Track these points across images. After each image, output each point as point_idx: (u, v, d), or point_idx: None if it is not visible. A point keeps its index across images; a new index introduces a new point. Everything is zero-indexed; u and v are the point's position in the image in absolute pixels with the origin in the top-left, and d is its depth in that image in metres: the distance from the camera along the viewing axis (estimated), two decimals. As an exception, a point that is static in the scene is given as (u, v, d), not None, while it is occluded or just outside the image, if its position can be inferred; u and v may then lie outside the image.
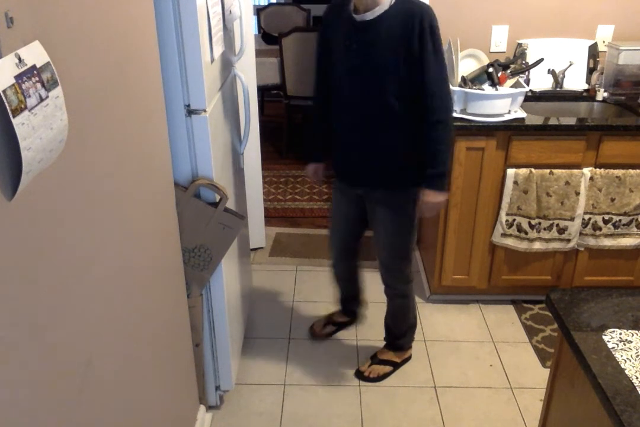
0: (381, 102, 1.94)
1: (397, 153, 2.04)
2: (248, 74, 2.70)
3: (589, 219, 2.62)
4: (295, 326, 2.69)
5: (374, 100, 1.94)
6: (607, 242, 2.66)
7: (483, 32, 2.93)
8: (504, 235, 2.67)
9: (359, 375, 2.40)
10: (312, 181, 2.49)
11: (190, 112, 1.73)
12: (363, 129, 2.02)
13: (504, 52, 2.95)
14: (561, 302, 1.32)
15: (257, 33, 5.73)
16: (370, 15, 1.86)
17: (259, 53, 3.22)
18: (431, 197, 2.04)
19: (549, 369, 1.49)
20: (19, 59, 0.82)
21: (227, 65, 2.12)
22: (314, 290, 2.99)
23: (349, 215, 2.30)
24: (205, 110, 1.74)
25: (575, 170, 2.53)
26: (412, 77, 1.88)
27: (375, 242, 2.24)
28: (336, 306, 2.69)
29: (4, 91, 0.77)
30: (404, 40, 1.84)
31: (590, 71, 2.94)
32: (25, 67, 0.83)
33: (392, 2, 1.85)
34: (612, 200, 2.58)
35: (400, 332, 2.43)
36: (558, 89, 2.92)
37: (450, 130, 1.99)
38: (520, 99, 2.53)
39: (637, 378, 1.09)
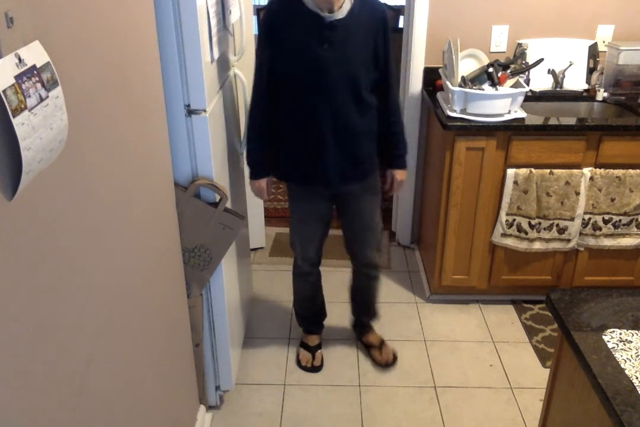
0: (356, 95, 1.99)
1: (371, 141, 2.14)
2: (248, 74, 2.69)
3: (589, 219, 2.62)
4: (295, 326, 2.69)
5: (349, 95, 1.98)
6: (607, 242, 2.66)
7: (483, 32, 2.92)
8: (504, 235, 2.67)
9: (387, 366, 2.50)
10: (263, 198, 2.26)
11: (190, 112, 1.73)
12: (338, 126, 2.02)
13: (504, 52, 2.95)
14: (561, 302, 1.32)
15: (257, 33, 5.71)
16: (340, 15, 1.91)
17: (259, 53, 3.20)
18: (402, 175, 2.26)
19: (549, 369, 1.49)
20: (19, 59, 0.82)
21: (227, 65, 2.12)
22: (314, 290, 2.99)
23: (323, 216, 2.26)
24: (205, 110, 1.74)
25: (575, 170, 2.53)
26: (376, 68, 2.02)
27: (356, 231, 2.30)
28: (305, 329, 2.61)
29: (4, 91, 0.77)
30: (373, 35, 1.96)
31: (590, 71, 2.94)
32: (25, 67, 0.83)
33: (353, 1, 1.93)
34: (612, 200, 2.57)
35: (375, 310, 2.59)
36: (558, 89, 2.92)
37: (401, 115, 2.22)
38: (520, 99, 2.53)
39: (637, 378, 1.09)
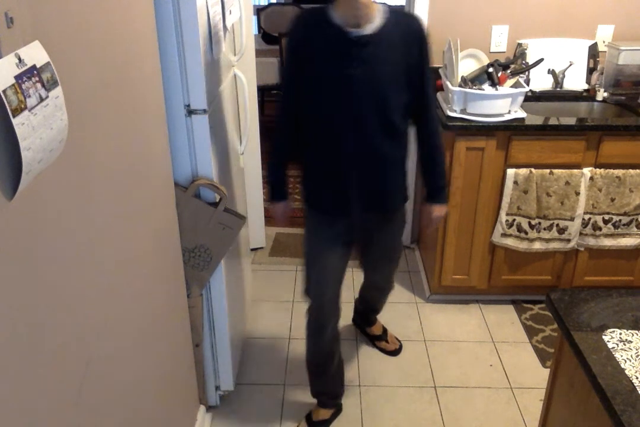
0: (387, 119, 1.80)
1: (401, 170, 1.96)
2: (248, 74, 2.70)
3: (589, 219, 2.62)
4: (295, 326, 2.69)
5: (380, 118, 1.79)
6: (607, 242, 2.66)
7: (483, 32, 2.92)
8: (504, 235, 2.67)
9: (396, 353, 2.54)
10: (280, 223, 2.14)
11: (190, 112, 1.73)
12: (364, 152, 1.83)
13: (504, 52, 2.95)
14: (561, 302, 1.32)
15: (257, 33, 5.72)
16: (368, 30, 1.71)
17: (259, 53, 3.22)
18: (442, 211, 2.04)
19: (549, 369, 1.49)
20: (19, 59, 0.82)
21: (227, 65, 2.12)
22: (314, 290, 2.99)
23: (343, 251, 2.00)
24: (205, 110, 1.74)
25: (575, 170, 2.53)
26: (410, 90, 1.80)
27: (375, 260, 2.20)
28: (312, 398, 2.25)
29: (4, 91, 0.77)
30: (406, 54, 1.75)
31: (590, 71, 2.94)
32: (25, 67, 0.83)
33: (386, 15, 1.73)
34: (612, 200, 2.57)
35: (382, 307, 2.57)
36: (558, 89, 2.92)
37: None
38: (520, 99, 2.53)
39: (637, 378, 1.09)
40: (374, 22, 1.71)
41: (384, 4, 1.77)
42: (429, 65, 1.82)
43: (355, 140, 1.81)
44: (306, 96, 1.82)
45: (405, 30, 1.75)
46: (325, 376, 2.15)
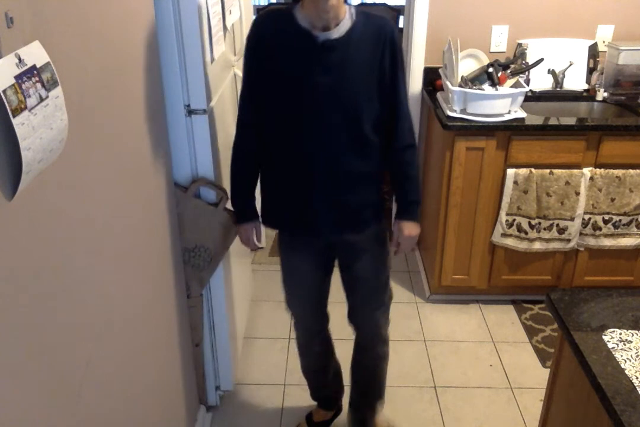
0: (355, 131, 1.63)
1: (374, 184, 1.76)
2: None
3: (589, 219, 2.62)
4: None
5: (350, 130, 1.62)
6: (607, 242, 2.66)
7: (483, 32, 2.92)
8: (504, 235, 2.67)
9: None
10: (250, 247, 1.91)
11: (190, 112, 1.73)
12: (330, 166, 1.65)
13: (504, 52, 2.95)
14: (561, 302, 1.32)
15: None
16: (336, 33, 1.55)
17: (259, 53, 3.21)
18: (412, 230, 1.78)
19: (549, 369, 1.49)
20: (19, 59, 0.82)
21: (227, 65, 2.12)
22: (314, 290, 2.99)
23: (317, 271, 1.87)
24: (205, 110, 1.74)
25: (575, 170, 2.53)
26: (382, 99, 1.64)
27: (356, 290, 1.89)
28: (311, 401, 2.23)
29: (4, 91, 0.77)
30: (376, 59, 1.59)
31: (590, 71, 2.94)
32: (25, 67, 0.83)
33: (354, 16, 1.58)
34: (612, 200, 2.57)
35: (381, 392, 2.10)
36: (558, 89, 2.92)
37: (417, 154, 1.78)
38: (520, 99, 2.53)
39: (637, 378, 1.09)
40: (343, 25, 1.56)
41: (354, 5, 1.63)
42: (401, 71, 1.65)
43: (322, 155, 1.64)
44: (267, 107, 1.65)
45: (376, 33, 1.59)
46: (323, 384, 2.15)
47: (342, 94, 1.60)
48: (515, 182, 2.55)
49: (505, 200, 2.60)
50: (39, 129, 0.86)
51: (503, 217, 2.63)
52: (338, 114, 1.61)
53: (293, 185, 1.71)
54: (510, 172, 2.54)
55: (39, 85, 0.86)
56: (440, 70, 2.80)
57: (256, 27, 1.63)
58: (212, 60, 1.83)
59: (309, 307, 1.94)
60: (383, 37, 1.59)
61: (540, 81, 2.93)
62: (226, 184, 1.99)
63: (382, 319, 1.92)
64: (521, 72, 2.69)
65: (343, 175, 1.68)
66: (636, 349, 1.17)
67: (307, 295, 1.92)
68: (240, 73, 2.24)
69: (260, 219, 1.85)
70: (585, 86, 2.94)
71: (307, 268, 1.85)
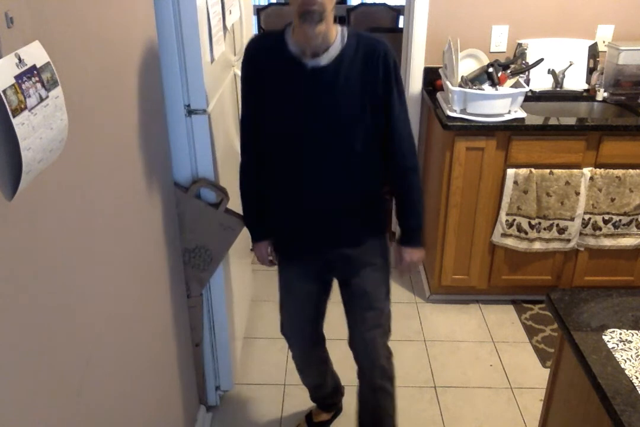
0: (349, 155, 1.61)
1: (372, 203, 1.73)
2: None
3: (589, 219, 2.62)
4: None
5: (343, 152, 1.61)
6: (607, 242, 2.66)
7: (483, 32, 2.92)
8: (504, 235, 2.67)
9: None
10: (265, 264, 1.89)
11: (190, 112, 1.73)
12: (331, 185, 1.64)
13: (504, 52, 2.95)
14: (561, 302, 1.32)
15: (257, 33, 5.72)
16: (325, 60, 1.51)
17: (259, 53, 3.21)
18: (413, 255, 1.76)
19: (549, 369, 1.49)
20: (19, 59, 0.82)
21: (227, 65, 2.12)
22: (314, 290, 2.99)
23: (313, 291, 1.85)
24: (205, 110, 1.74)
25: (575, 170, 2.53)
26: (376, 121, 1.60)
27: (354, 311, 1.84)
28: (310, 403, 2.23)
29: (4, 91, 0.77)
30: (367, 83, 1.55)
31: (590, 71, 2.94)
32: (25, 67, 0.83)
33: (345, 39, 1.53)
34: (612, 200, 2.57)
35: None
36: (558, 89, 2.92)
37: (420, 177, 1.72)
38: (520, 99, 2.53)
39: (637, 378, 1.09)
40: (332, 49, 1.52)
41: (346, 26, 1.57)
42: (399, 93, 1.59)
43: (318, 177, 1.63)
44: (264, 130, 1.65)
45: (367, 55, 1.53)
46: (321, 396, 2.17)
47: (333, 119, 1.57)
48: (515, 182, 2.55)
49: (505, 200, 2.60)
50: (39, 129, 0.86)
51: (503, 217, 2.63)
52: (331, 139, 1.59)
53: (289, 204, 1.71)
54: (510, 172, 2.54)
55: (39, 85, 0.86)
56: (440, 70, 2.80)
57: (249, 52, 1.62)
58: (212, 60, 1.83)
59: (303, 327, 1.92)
60: (375, 59, 1.53)
61: (540, 81, 2.93)
62: (226, 184, 1.99)
63: (380, 344, 1.85)
64: (521, 72, 2.69)
65: (338, 196, 1.66)
66: (636, 349, 1.17)
67: (302, 313, 1.89)
68: (240, 73, 2.24)
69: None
70: (585, 86, 2.94)
71: (303, 286, 1.83)
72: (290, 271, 1.84)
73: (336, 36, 1.53)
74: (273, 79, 1.58)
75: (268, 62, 1.58)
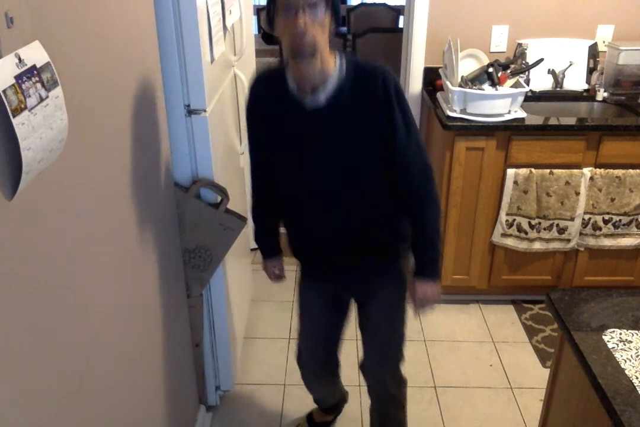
0: (357, 190, 1.56)
1: (387, 229, 1.66)
2: (248, 74, 2.70)
3: (589, 219, 2.62)
4: (296, 325, 2.69)
5: (348, 191, 1.56)
6: (607, 242, 2.66)
7: (483, 32, 2.92)
8: (504, 235, 2.67)
9: None
10: (273, 280, 1.92)
11: (190, 112, 1.73)
12: (340, 222, 1.60)
13: (504, 52, 2.95)
14: (561, 302, 1.32)
15: (257, 33, 5.72)
16: (322, 98, 1.45)
17: (259, 53, 3.22)
18: (426, 290, 1.65)
19: (549, 369, 1.49)
20: (19, 59, 0.82)
21: (227, 65, 2.12)
22: (314, 290, 2.99)
23: (331, 314, 1.84)
24: (205, 110, 1.74)
25: (575, 170, 2.53)
26: (385, 153, 1.52)
27: (368, 336, 1.83)
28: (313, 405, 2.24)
29: (4, 91, 0.77)
30: (370, 117, 1.47)
31: (590, 71, 2.94)
32: (25, 67, 0.83)
33: (344, 71, 1.45)
34: (612, 200, 2.57)
35: None
36: (558, 89, 2.92)
37: (438, 205, 1.61)
38: (520, 99, 2.53)
39: (637, 378, 1.09)
40: (331, 83, 1.45)
41: (345, 53, 1.51)
42: (405, 121, 1.49)
43: (326, 208, 1.59)
44: (270, 162, 1.62)
45: (367, 88, 1.45)
46: (326, 404, 2.18)
47: (338, 160, 1.52)
48: (515, 182, 2.55)
49: (505, 200, 2.60)
50: (39, 129, 0.86)
51: (503, 217, 2.63)
52: (337, 179, 1.54)
53: (302, 238, 1.71)
54: (510, 172, 2.54)
55: (39, 85, 0.86)
56: (440, 70, 2.80)
57: (251, 93, 1.59)
58: (212, 60, 1.83)
59: (318, 350, 1.90)
60: (374, 90, 1.45)
61: (540, 81, 2.93)
62: (226, 184, 1.99)
63: (392, 373, 1.84)
64: (521, 72, 2.69)
65: (349, 232, 1.62)
66: (636, 349, 1.17)
67: (317, 335, 1.86)
68: (240, 73, 2.24)
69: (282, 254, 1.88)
70: (585, 86, 2.94)
71: (319, 308, 1.82)
72: (307, 291, 1.84)
73: (334, 67, 1.45)
74: (275, 120, 1.54)
75: (270, 104, 1.54)
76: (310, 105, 1.46)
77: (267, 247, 1.87)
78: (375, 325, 1.79)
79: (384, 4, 5.77)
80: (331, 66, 1.45)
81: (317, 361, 1.94)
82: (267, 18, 1.42)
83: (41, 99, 0.87)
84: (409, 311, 1.80)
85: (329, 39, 1.43)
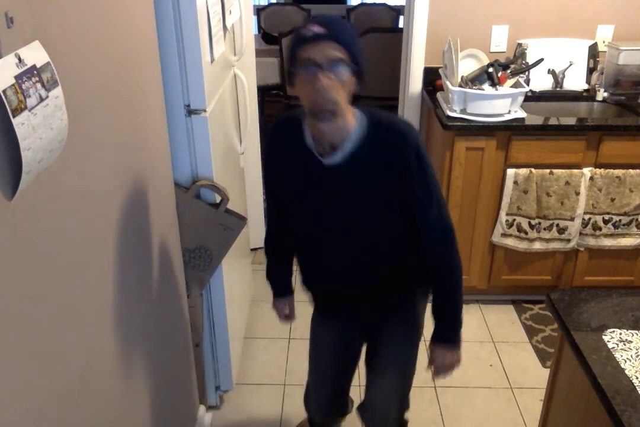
0: (370, 244, 1.51)
1: (402, 278, 1.61)
2: (248, 74, 2.70)
3: (589, 219, 2.62)
4: (295, 326, 2.69)
5: (362, 245, 1.51)
6: (607, 242, 2.66)
7: (483, 32, 2.92)
8: (504, 235, 2.67)
9: None
10: (282, 320, 1.88)
11: (190, 112, 1.73)
12: (351, 273, 1.56)
13: (504, 52, 2.95)
14: (561, 302, 1.32)
15: (257, 33, 5.72)
16: (340, 156, 1.38)
17: (259, 53, 3.22)
18: (445, 357, 1.56)
19: (549, 369, 1.49)
20: (19, 59, 0.82)
21: (227, 65, 2.12)
22: (314, 290, 2.99)
23: (342, 354, 1.78)
24: (205, 110, 1.74)
25: (575, 170, 2.53)
26: (403, 212, 1.46)
27: (374, 370, 1.74)
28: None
29: (4, 91, 0.77)
30: (387, 179, 1.40)
31: (590, 71, 2.94)
32: (25, 67, 0.83)
33: (365, 129, 1.38)
34: (612, 200, 2.57)
35: None
36: (558, 89, 2.92)
37: (459, 270, 1.53)
38: (520, 99, 2.53)
39: (637, 378, 1.09)
40: (350, 141, 1.38)
41: (366, 110, 1.42)
42: (426, 184, 1.42)
43: (339, 264, 1.55)
44: (285, 209, 1.59)
45: (388, 151, 1.39)
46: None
47: (353, 216, 1.47)
48: (515, 182, 2.55)
49: (505, 200, 2.60)
50: (39, 129, 0.86)
51: (503, 217, 2.63)
52: (352, 234, 1.49)
53: (314, 279, 1.67)
54: (510, 172, 2.54)
55: (39, 85, 0.86)
56: (440, 70, 2.80)
57: (269, 139, 1.54)
58: (212, 60, 1.83)
59: (328, 391, 1.85)
60: (394, 152, 1.38)
61: (540, 81, 2.93)
62: (226, 184, 1.99)
63: (393, 419, 1.75)
64: (521, 72, 2.69)
65: (365, 276, 1.56)
66: (636, 349, 1.17)
67: (325, 373, 1.81)
68: (240, 73, 2.24)
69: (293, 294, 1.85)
70: (585, 86, 2.94)
71: (330, 347, 1.76)
72: (319, 327, 1.79)
73: (354, 125, 1.38)
74: (291, 169, 1.49)
75: (287, 152, 1.49)
76: (328, 164, 1.41)
77: (278, 286, 1.83)
78: (385, 363, 1.70)
79: (384, 4, 5.77)
80: (351, 124, 1.38)
81: (326, 412, 1.91)
82: (287, 72, 1.34)
83: (41, 99, 0.87)
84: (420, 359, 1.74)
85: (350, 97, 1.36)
